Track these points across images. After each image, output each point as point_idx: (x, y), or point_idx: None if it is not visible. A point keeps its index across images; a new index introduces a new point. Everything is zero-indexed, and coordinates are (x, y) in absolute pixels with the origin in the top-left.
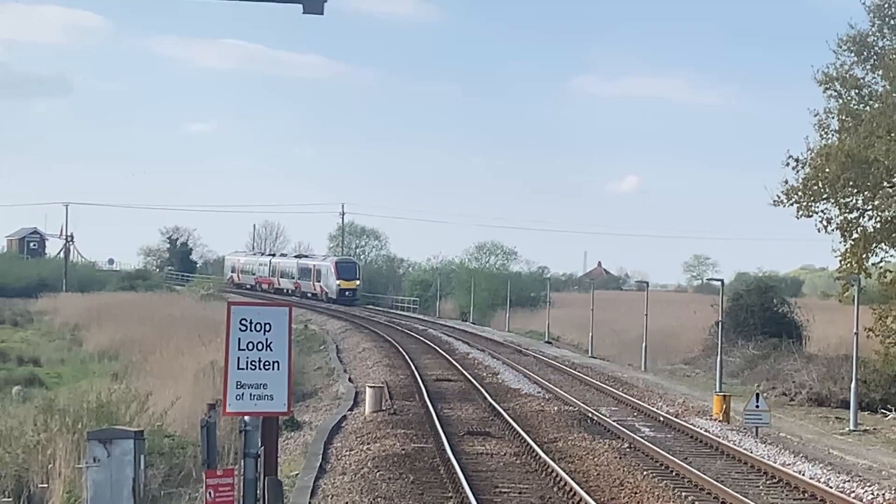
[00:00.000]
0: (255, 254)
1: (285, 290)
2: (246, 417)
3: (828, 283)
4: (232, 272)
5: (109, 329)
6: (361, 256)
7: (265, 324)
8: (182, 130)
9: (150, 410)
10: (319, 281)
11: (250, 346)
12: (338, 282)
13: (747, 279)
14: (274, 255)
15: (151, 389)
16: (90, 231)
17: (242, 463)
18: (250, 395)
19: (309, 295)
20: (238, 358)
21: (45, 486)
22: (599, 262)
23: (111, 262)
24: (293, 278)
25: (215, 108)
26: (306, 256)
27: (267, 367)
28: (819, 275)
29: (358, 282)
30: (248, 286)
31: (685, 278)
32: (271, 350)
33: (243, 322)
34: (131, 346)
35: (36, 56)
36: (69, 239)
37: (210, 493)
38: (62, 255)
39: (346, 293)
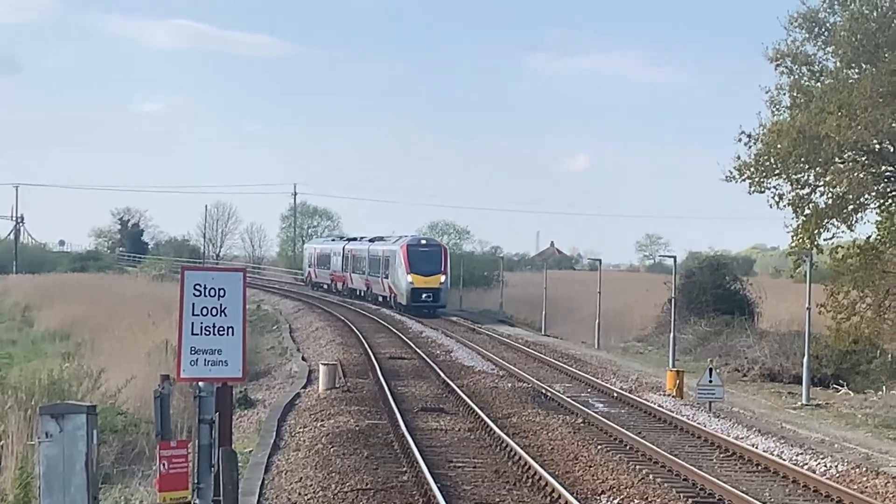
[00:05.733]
0: (332, 240)
1: (358, 292)
2: (200, 383)
3: (779, 261)
4: (309, 267)
5: (61, 310)
6: (314, 236)
7: (219, 289)
8: (132, 110)
9: (103, 388)
10: (388, 277)
11: (204, 312)
12: (409, 277)
13: (699, 258)
14: (354, 239)
15: (104, 367)
16: (40, 212)
17: (197, 429)
18: (205, 360)
19: (380, 298)
20: (192, 323)
21: None
22: (552, 241)
23: (62, 243)
24: (363, 273)
25: (166, 87)
26: (381, 239)
27: (221, 332)
28: (771, 254)
29: (443, 277)
30: (325, 286)
31: (638, 258)
32: (226, 315)
33: (197, 287)
34: (83, 327)
35: None
36: (19, 220)
37: (164, 465)
38: (12, 236)
39: (424, 296)
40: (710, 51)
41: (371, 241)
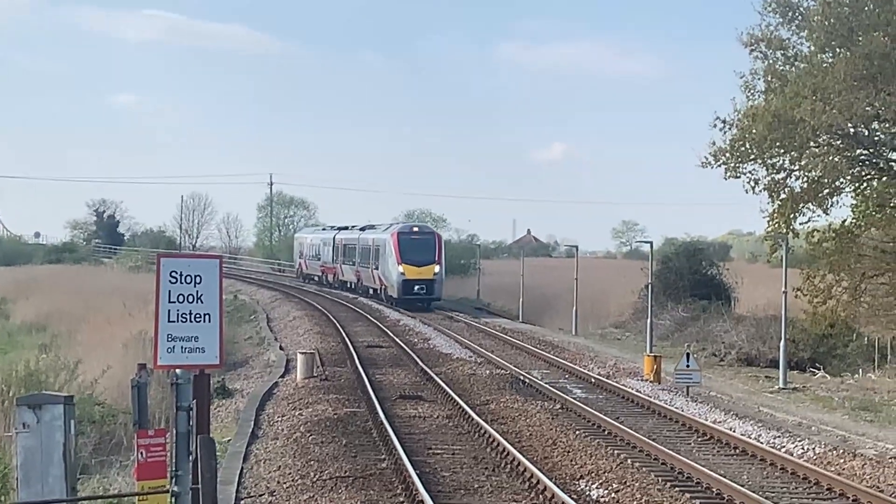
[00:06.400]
0: (323, 229)
1: (349, 284)
2: (178, 371)
3: (755, 246)
4: (300, 258)
5: (37, 302)
6: (290, 226)
7: (195, 276)
8: (107, 102)
9: (80, 378)
10: (378, 268)
11: (181, 299)
12: (400, 268)
13: (676, 244)
14: (346, 228)
15: (81, 359)
16: (16, 205)
17: (175, 417)
18: (181, 347)
19: (370, 291)
20: (168, 311)
21: None
22: (529, 229)
23: (38, 235)
24: (354, 264)
25: (140, 79)
26: (372, 228)
27: (198, 319)
28: (747, 239)
29: (437, 267)
30: (316, 278)
31: (614, 245)
32: (202, 302)
33: (173, 274)
34: (60, 318)
35: None
36: None
37: (142, 454)
38: None
39: (417, 288)
40: (683, 38)
41: (362, 229)
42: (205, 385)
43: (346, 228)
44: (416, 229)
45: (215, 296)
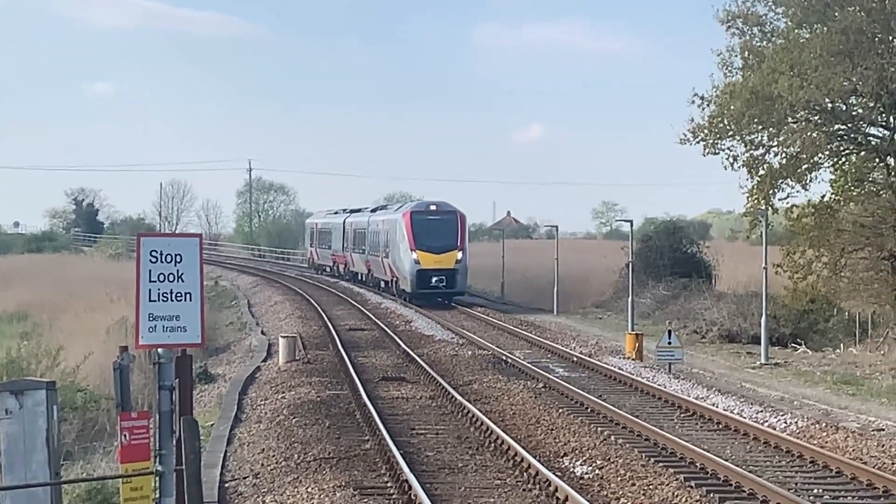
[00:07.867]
0: (335, 213)
1: (360, 275)
2: (160, 350)
3: (735, 224)
4: (311, 246)
5: (17, 291)
6: (269, 211)
7: (176, 255)
8: (84, 90)
9: (62, 365)
10: (388, 256)
11: (161, 278)
12: (414, 255)
13: (656, 223)
14: (358, 210)
15: (62, 346)
16: None
17: (157, 397)
18: (163, 326)
19: (382, 283)
20: (149, 290)
21: None
22: (508, 211)
23: (17, 224)
24: (363, 252)
25: (117, 67)
26: (384, 208)
27: (179, 298)
28: (726, 218)
29: (460, 254)
30: (328, 268)
31: (594, 225)
32: (183, 281)
33: (153, 253)
34: (41, 307)
35: None
36: None
37: (125, 436)
38: None
39: (434, 280)
40: (662, 17)
41: (373, 210)
42: (187, 365)
43: (357, 211)
44: (433, 207)
45: (196, 274)
